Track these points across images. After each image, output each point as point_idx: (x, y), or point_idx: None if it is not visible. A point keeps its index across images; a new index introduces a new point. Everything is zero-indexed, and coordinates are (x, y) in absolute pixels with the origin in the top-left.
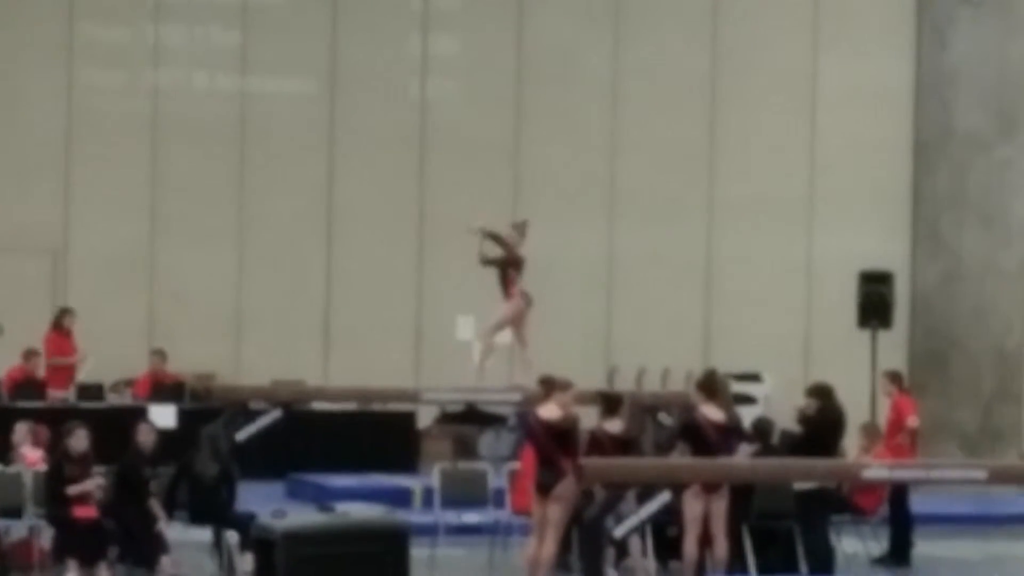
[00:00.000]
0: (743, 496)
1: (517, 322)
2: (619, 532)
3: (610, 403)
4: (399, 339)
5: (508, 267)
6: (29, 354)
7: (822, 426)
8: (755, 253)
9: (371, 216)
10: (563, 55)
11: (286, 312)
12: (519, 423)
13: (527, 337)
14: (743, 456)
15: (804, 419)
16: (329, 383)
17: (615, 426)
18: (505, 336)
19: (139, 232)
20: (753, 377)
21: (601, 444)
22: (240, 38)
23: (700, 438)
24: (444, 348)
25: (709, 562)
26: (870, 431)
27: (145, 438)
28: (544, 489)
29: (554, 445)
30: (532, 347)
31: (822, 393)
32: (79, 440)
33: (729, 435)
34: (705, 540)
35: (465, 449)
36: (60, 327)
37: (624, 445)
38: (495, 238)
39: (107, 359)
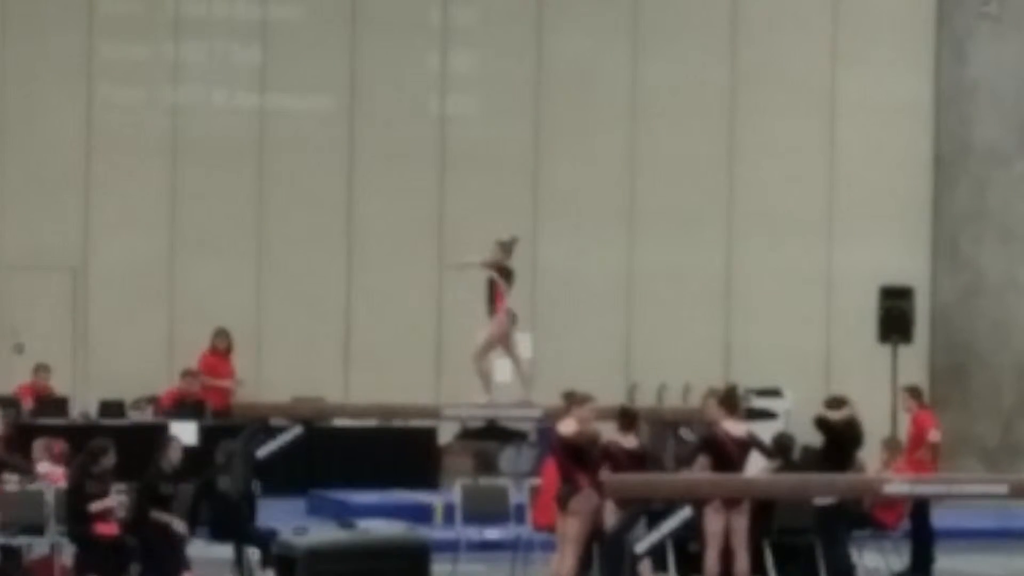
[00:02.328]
0: (764, 511)
1: (504, 341)
2: (640, 548)
3: (626, 418)
4: (419, 355)
5: (495, 282)
6: (38, 369)
7: (841, 434)
8: (775, 268)
9: (391, 232)
10: (582, 70)
11: (306, 329)
12: (542, 438)
13: (519, 353)
14: (757, 470)
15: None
16: (349, 400)
17: (629, 441)
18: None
19: (159, 249)
20: (774, 392)
21: (614, 458)
22: (260, 55)
23: (721, 453)
24: (464, 364)
25: None
26: (892, 446)
27: (175, 455)
28: (563, 503)
29: (570, 460)
30: (543, 361)
31: (844, 407)
32: (110, 459)
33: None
34: (726, 555)
35: (486, 465)
36: (216, 348)
37: (638, 460)
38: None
39: (127, 376)
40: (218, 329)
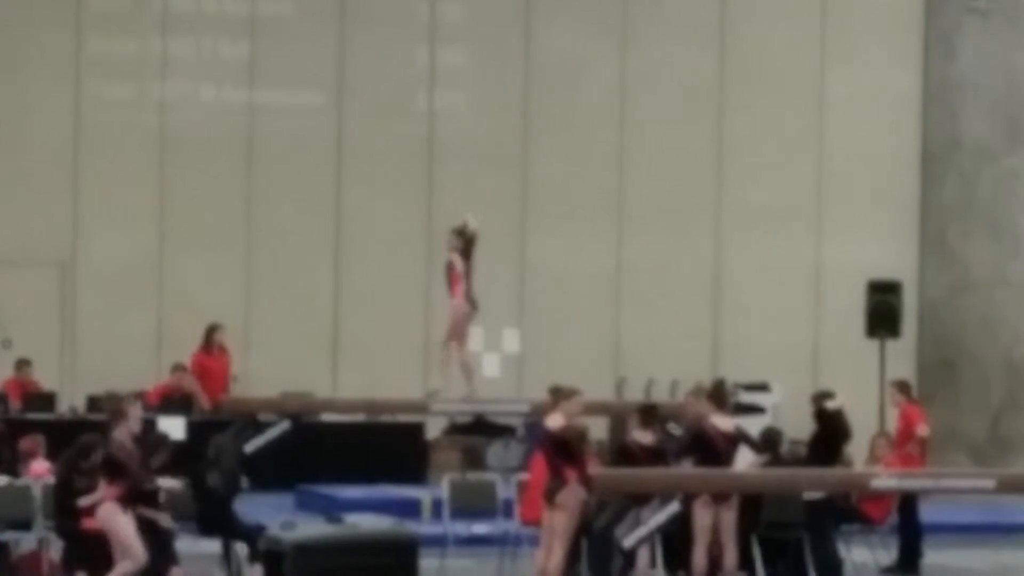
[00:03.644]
0: (752, 506)
1: (460, 329)
2: (628, 542)
3: (646, 415)
4: (407, 350)
5: (453, 265)
6: (20, 364)
7: (835, 424)
8: (763, 263)
9: (379, 227)
10: (570, 66)
11: (294, 323)
12: (529, 433)
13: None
14: (745, 464)
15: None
16: (338, 394)
17: (647, 437)
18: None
19: (147, 244)
20: (761, 387)
21: (632, 454)
22: (248, 50)
23: (709, 448)
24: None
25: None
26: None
27: (165, 454)
28: (550, 497)
29: (556, 454)
30: (532, 356)
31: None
32: (99, 454)
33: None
34: (714, 550)
35: (474, 460)
36: (207, 345)
37: (656, 456)
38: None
39: (115, 371)
40: (211, 324)
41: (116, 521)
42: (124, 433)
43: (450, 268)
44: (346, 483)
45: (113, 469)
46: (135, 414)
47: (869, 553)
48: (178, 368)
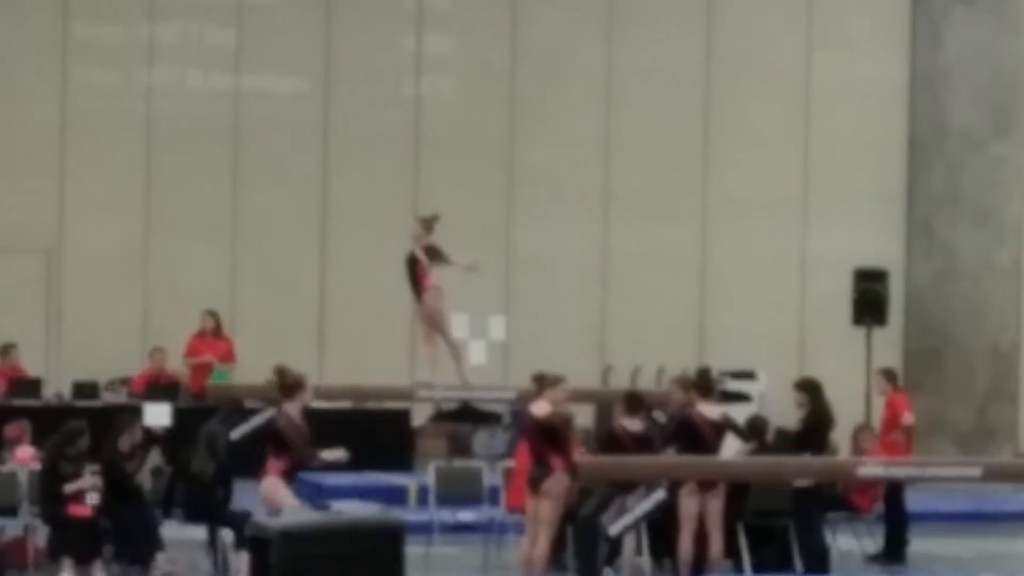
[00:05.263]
0: (738, 494)
1: (435, 320)
2: (614, 530)
3: (632, 402)
4: (393, 337)
5: (418, 261)
6: (7, 348)
7: (814, 424)
8: (750, 251)
9: (365, 214)
10: (557, 53)
11: (280, 310)
12: (515, 420)
13: (453, 333)
14: (732, 452)
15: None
16: (323, 381)
17: (635, 424)
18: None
19: (133, 231)
20: (748, 375)
21: (621, 441)
22: (234, 37)
23: (696, 436)
24: (439, 346)
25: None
26: (870, 433)
27: (137, 435)
28: (535, 485)
29: (542, 441)
30: (518, 344)
31: (811, 389)
32: (85, 440)
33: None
34: (700, 538)
35: (460, 447)
36: (204, 330)
37: (644, 443)
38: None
39: (101, 357)
40: (206, 310)
41: (278, 496)
42: (296, 407)
43: (414, 263)
44: (332, 470)
45: (279, 443)
46: (311, 385)
47: (855, 541)
48: (156, 352)
